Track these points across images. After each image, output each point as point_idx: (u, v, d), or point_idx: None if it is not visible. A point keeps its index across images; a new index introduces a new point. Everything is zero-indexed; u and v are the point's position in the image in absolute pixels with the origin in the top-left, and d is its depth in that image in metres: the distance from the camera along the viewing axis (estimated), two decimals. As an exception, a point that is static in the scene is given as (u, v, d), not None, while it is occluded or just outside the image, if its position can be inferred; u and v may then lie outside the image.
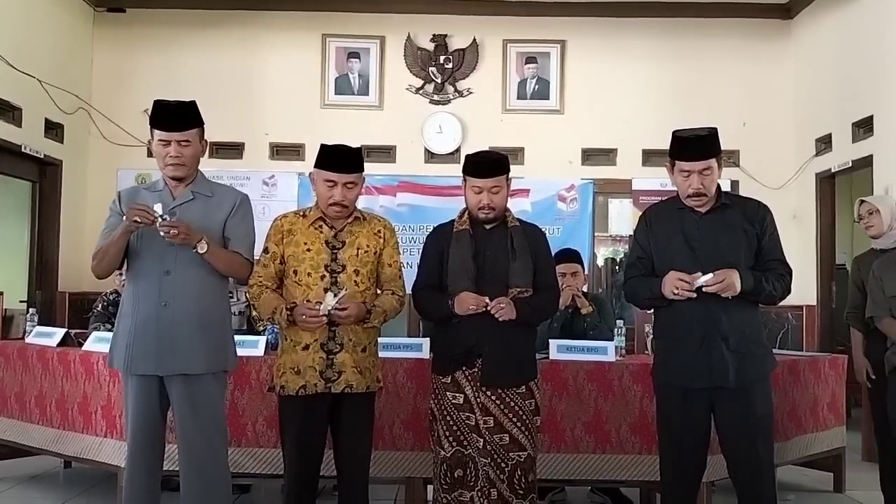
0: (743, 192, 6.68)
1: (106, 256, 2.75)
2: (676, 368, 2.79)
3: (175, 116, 2.73)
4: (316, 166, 2.84)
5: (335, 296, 2.68)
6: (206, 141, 2.86)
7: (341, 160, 2.81)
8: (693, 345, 2.74)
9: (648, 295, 2.85)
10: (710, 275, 2.66)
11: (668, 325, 2.86)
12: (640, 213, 3.08)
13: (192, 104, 2.79)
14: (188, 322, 2.73)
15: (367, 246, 2.85)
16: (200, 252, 2.68)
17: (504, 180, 2.89)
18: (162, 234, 2.63)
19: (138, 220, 2.61)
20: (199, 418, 2.75)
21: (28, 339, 4.27)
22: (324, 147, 2.85)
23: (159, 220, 2.62)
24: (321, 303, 2.71)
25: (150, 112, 2.79)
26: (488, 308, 2.73)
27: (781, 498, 3.90)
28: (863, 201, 3.97)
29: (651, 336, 3.36)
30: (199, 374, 2.74)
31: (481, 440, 2.78)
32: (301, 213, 2.92)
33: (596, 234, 6.90)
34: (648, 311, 3.94)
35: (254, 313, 4.16)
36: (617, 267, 7.46)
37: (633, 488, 4.01)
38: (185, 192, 2.81)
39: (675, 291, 2.70)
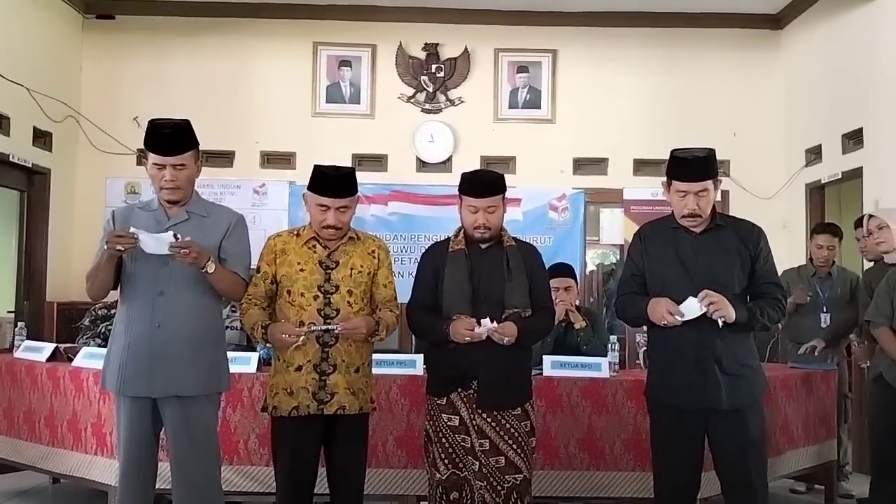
0: (733, 201, 6.73)
1: (96, 281, 2.73)
2: (670, 389, 2.79)
3: (170, 139, 2.69)
4: (309, 189, 2.82)
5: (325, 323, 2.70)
6: (201, 161, 2.84)
7: (334, 185, 2.78)
8: (686, 366, 2.74)
9: (635, 314, 2.86)
10: (699, 305, 2.66)
11: (661, 346, 2.86)
12: (635, 231, 3.07)
13: (187, 124, 2.76)
14: (182, 343, 2.71)
15: (361, 266, 2.83)
16: (209, 272, 2.66)
17: (500, 200, 2.88)
18: (169, 252, 2.59)
19: (121, 248, 2.58)
20: (193, 440, 2.73)
21: (17, 354, 4.22)
22: (317, 169, 2.81)
23: (171, 241, 2.59)
24: (313, 323, 2.71)
25: (144, 130, 2.76)
26: (487, 335, 2.72)
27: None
28: (871, 216, 3.95)
29: (643, 348, 3.37)
30: (193, 395, 2.71)
31: (477, 463, 2.76)
32: (295, 233, 2.89)
33: (587, 240, 6.92)
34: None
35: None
36: (610, 276, 7.45)
37: (627, 504, 4.02)
38: (180, 212, 2.78)
39: (664, 323, 2.71)
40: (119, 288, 2.80)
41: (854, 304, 4.44)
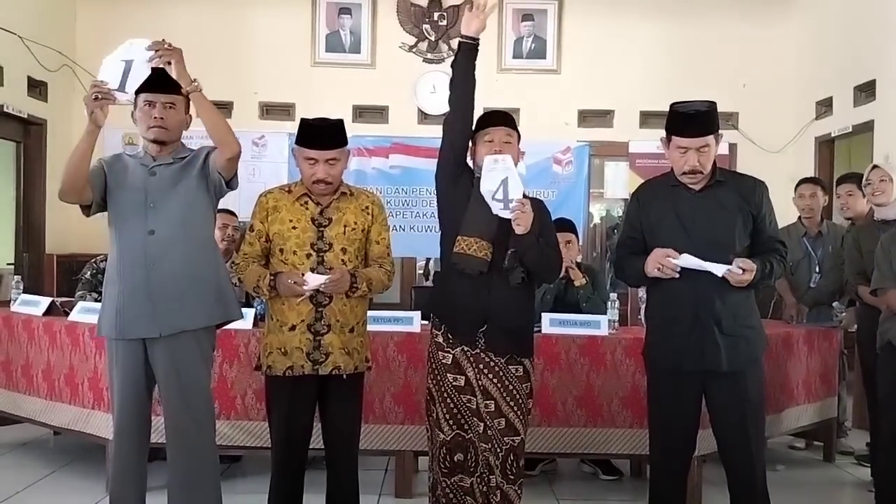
0: (741, 155, 6.61)
1: (69, 165, 2.62)
2: (668, 351, 2.74)
3: (161, 80, 2.66)
4: (296, 143, 2.75)
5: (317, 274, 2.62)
6: (190, 115, 2.78)
7: (321, 136, 2.70)
8: (685, 327, 2.68)
9: (634, 273, 2.79)
10: (716, 266, 2.58)
11: (659, 306, 2.80)
12: (634, 190, 3.00)
13: None
14: (179, 279, 2.68)
15: (355, 223, 2.77)
16: (190, 91, 2.63)
17: (515, 134, 2.76)
18: (154, 61, 2.60)
19: (98, 96, 2.53)
20: (184, 388, 2.70)
21: (13, 308, 4.21)
22: (303, 122, 2.74)
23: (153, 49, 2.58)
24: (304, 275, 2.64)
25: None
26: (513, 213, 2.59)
27: (771, 469, 3.93)
28: (876, 167, 3.86)
29: (644, 305, 3.31)
30: (184, 340, 2.68)
31: (482, 424, 2.70)
32: (286, 189, 2.82)
33: (591, 194, 6.82)
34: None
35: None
36: (614, 231, 7.39)
37: (624, 460, 4.03)
38: (167, 157, 2.75)
39: (658, 268, 2.63)
40: (110, 235, 2.75)
41: (841, 267, 4.36)
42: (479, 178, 2.66)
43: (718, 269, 2.59)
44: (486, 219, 2.63)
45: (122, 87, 2.60)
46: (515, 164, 2.67)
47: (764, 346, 2.83)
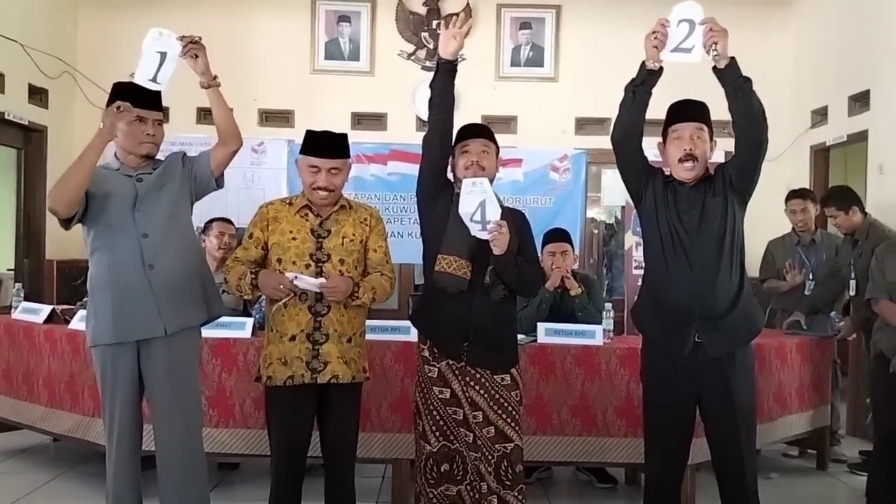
0: (737, 163, 6.65)
1: (74, 178, 2.62)
2: (665, 339, 2.76)
3: (149, 96, 2.73)
4: (301, 152, 2.82)
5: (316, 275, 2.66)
6: None
7: (325, 146, 2.78)
8: (680, 314, 2.70)
9: (631, 84, 2.86)
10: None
11: (655, 296, 2.81)
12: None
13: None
14: (177, 278, 2.76)
15: (353, 235, 2.81)
16: (212, 86, 2.77)
17: (492, 146, 2.84)
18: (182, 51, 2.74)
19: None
20: (178, 389, 2.76)
21: (14, 315, 4.24)
22: (308, 133, 2.82)
23: (183, 43, 2.75)
24: (296, 276, 2.64)
25: (118, 87, 2.77)
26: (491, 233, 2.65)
27: (764, 476, 3.97)
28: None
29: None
30: (186, 328, 2.77)
31: (471, 434, 2.75)
32: (287, 201, 2.88)
33: (588, 199, 6.84)
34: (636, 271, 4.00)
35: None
36: (611, 238, 7.42)
37: (619, 468, 4.07)
38: (147, 168, 2.83)
39: (654, 37, 2.75)
40: (92, 242, 2.79)
41: (837, 276, 4.40)
42: (458, 194, 2.73)
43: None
44: (464, 237, 2.71)
45: (154, 79, 2.69)
46: (492, 179, 2.77)
47: (760, 325, 2.84)
